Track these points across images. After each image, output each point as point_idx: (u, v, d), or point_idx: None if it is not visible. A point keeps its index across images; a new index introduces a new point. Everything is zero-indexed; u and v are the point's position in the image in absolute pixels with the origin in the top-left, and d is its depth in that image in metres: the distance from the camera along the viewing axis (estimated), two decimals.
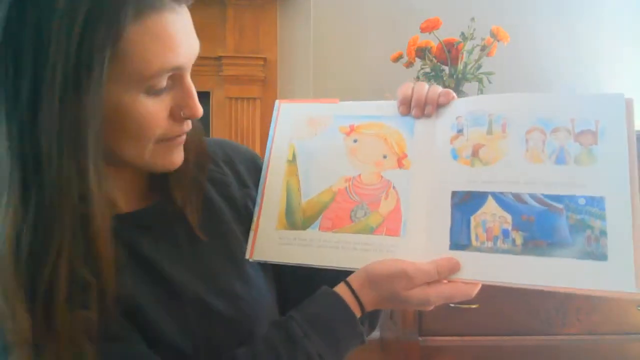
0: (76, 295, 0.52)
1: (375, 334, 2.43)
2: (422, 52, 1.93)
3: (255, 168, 0.75)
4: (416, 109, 0.69)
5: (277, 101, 0.78)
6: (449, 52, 1.90)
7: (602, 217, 0.58)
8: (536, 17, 2.51)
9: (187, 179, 0.64)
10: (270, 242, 0.68)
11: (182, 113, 0.58)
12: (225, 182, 0.70)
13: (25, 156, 0.50)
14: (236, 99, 2.17)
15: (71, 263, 0.51)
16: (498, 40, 1.90)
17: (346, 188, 0.69)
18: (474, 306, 2.01)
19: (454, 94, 0.69)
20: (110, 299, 0.54)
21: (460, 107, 0.67)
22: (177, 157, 0.61)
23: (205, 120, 2.17)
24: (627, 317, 2.03)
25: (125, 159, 0.57)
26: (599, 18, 2.55)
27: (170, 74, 0.54)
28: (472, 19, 1.99)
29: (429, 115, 0.68)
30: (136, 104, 0.53)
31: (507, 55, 2.04)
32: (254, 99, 2.18)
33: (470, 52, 1.92)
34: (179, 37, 0.54)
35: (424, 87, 0.69)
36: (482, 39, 1.95)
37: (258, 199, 0.71)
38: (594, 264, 0.56)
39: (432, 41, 1.93)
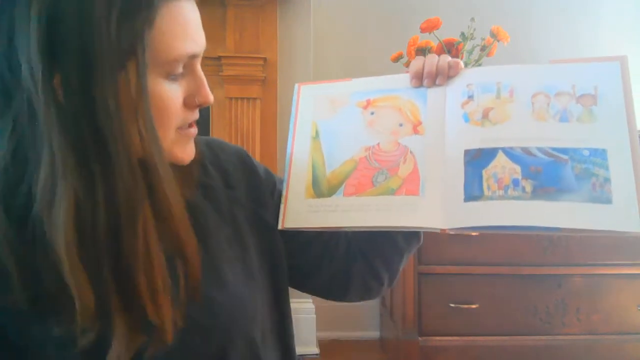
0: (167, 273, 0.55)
1: (375, 333, 2.43)
2: (422, 52, 1.93)
3: (243, 167, 0.74)
4: (428, 79, 0.73)
5: (296, 84, 0.82)
6: (449, 52, 1.90)
7: (605, 167, 0.62)
8: (536, 17, 2.51)
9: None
10: (300, 211, 0.72)
11: (195, 100, 0.60)
12: (209, 185, 0.70)
13: (82, 140, 0.51)
14: (236, 99, 2.16)
15: (155, 233, 0.53)
16: (498, 40, 1.90)
17: (366, 157, 0.72)
18: (474, 306, 2.01)
19: (462, 64, 0.73)
20: (197, 271, 0.57)
21: (470, 76, 0.72)
22: (191, 150, 0.63)
23: (205, 120, 2.17)
24: (627, 317, 2.03)
25: None
26: (599, 18, 2.55)
27: (187, 61, 0.57)
28: (472, 19, 1.98)
29: (440, 85, 0.73)
30: (158, 87, 0.55)
31: (507, 55, 2.04)
32: (254, 99, 2.18)
33: (470, 52, 1.92)
34: (196, 25, 0.58)
35: (434, 59, 0.73)
36: (482, 39, 1.95)
37: (285, 175, 0.75)
38: (601, 207, 0.60)
39: (432, 41, 1.93)
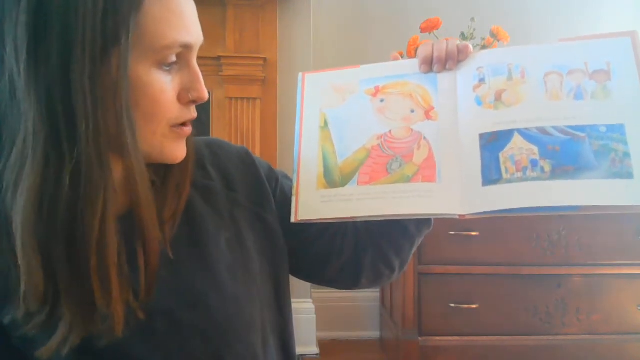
0: (123, 255, 0.54)
1: (375, 333, 2.43)
2: None
3: (244, 167, 0.73)
4: (438, 64, 0.72)
5: (300, 73, 0.79)
6: None
7: (624, 142, 0.61)
8: (536, 17, 2.51)
9: (170, 187, 0.63)
10: (312, 202, 0.70)
11: (189, 95, 0.59)
12: (210, 188, 0.69)
13: (55, 114, 0.51)
14: (236, 99, 2.16)
15: (115, 214, 0.53)
16: (498, 40, 1.91)
17: (379, 144, 0.71)
18: (474, 306, 2.01)
19: (471, 48, 0.72)
20: (155, 256, 0.57)
21: (480, 59, 0.71)
22: (183, 149, 0.62)
23: (205, 120, 2.17)
24: (627, 317, 2.03)
25: (140, 142, 0.57)
26: (599, 18, 2.55)
27: (179, 50, 0.56)
28: (472, 19, 1.99)
29: (450, 70, 0.72)
30: (149, 76, 0.55)
31: None
32: (254, 99, 2.17)
33: None
34: (190, 17, 0.57)
35: (443, 44, 0.72)
36: (482, 39, 1.95)
37: (295, 167, 0.73)
38: (622, 182, 0.59)
39: (432, 41, 1.93)
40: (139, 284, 0.56)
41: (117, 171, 0.55)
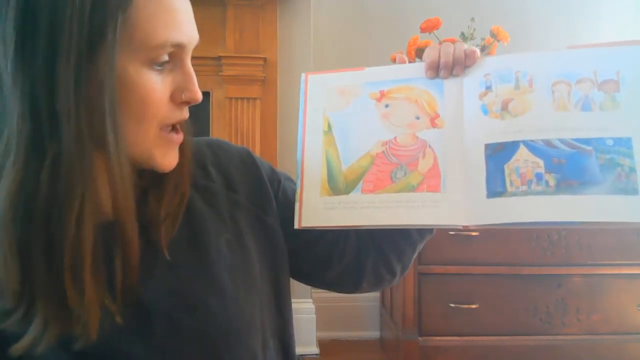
0: (100, 252, 0.53)
1: (375, 333, 2.43)
2: (422, 52, 1.93)
3: (245, 168, 0.73)
4: (444, 70, 0.70)
5: (303, 74, 0.77)
6: None
7: (631, 156, 0.60)
8: (536, 17, 2.51)
9: (168, 188, 0.63)
10: (316, 209, 0.70)
11: (183, 96, 0.58)
12: (210, 189, 0.68)
13: (39, 112, 0.51)
14: (236, 99, 2.16)
15: (95, 215, 0.52)
16: (498, 40, 1.90)
17: (384, 151, 0.70)
18: (474, 306, 2.01)
19: (479, 53, 0.71)
20: (134, 260, 0.56)
21: (487, 65, 0.70)
22: (174, 158, 0.61)
23: (205, 120, 2.17)
24: (627, 317, 2.03)
25: (129, 144, 0.56)
26: (599, 18, 2.55)
27: (171, 50, 0.55)
28: (472, 19, 1.99)
29: (457, 75, 0.71)
30: (139, 75, 0.54)
31: None
32: (254, 99, 2.17)
33: None
34: (183, 15, 0.56)
35: (450, 49, 0.70)
36: (482, 39, 1.95)
37: (298, 172, 0.72)
38: (626, 198, 0.59)
39: (432, 41, 1.93)
40: (116, 286, 0.56)
41: (103, 172, 0.54)
